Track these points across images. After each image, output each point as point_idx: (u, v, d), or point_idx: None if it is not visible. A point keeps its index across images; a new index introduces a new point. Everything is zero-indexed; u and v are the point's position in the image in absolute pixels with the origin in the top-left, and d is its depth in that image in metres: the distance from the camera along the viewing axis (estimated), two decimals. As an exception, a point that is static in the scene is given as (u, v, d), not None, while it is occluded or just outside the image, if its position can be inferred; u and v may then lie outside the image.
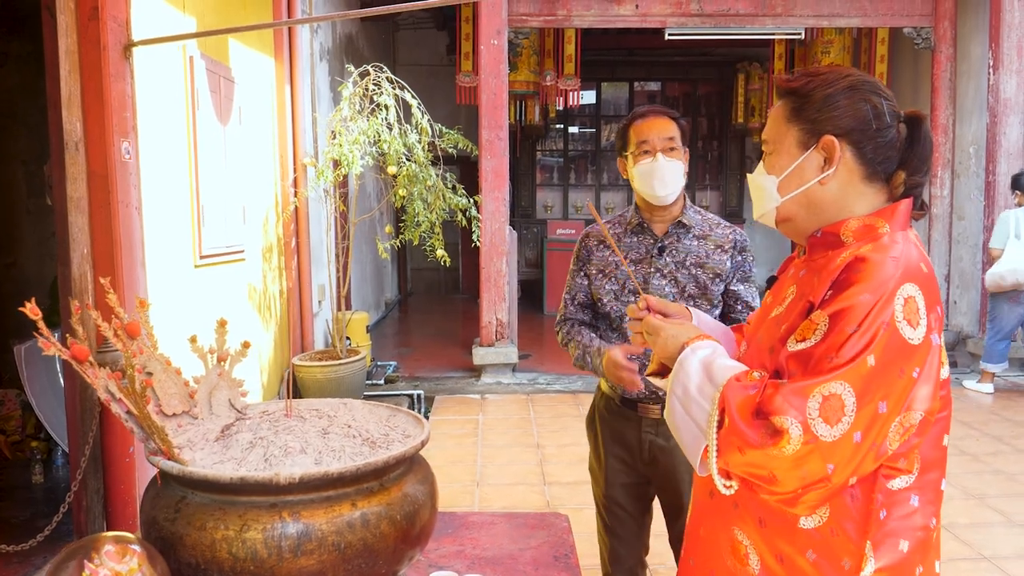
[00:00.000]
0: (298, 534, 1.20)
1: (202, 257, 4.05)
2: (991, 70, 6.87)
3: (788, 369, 1.20)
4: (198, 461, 1.31)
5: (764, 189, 1.36)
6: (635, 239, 2.26)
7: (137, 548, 1.17)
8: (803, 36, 8.24)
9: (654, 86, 12.49)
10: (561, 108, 10.16)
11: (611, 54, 11.41)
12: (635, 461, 2.25)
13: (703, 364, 1.26)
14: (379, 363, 6.96)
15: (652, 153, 2.17)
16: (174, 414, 1.45)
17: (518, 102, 9.30)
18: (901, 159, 1.28)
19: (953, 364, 6.98)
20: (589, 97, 12.07)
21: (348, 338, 6.05)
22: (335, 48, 7.33)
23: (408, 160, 5.29)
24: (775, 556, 1.24)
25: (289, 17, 5.31)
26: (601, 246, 2.29)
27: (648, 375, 1.43)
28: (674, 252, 2.22)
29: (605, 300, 2.25)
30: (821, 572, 1.21)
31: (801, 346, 1.19)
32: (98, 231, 3.06)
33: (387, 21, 10.76)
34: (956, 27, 7.43)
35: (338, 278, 5.82)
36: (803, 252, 1.36)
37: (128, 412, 1.33)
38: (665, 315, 1.47)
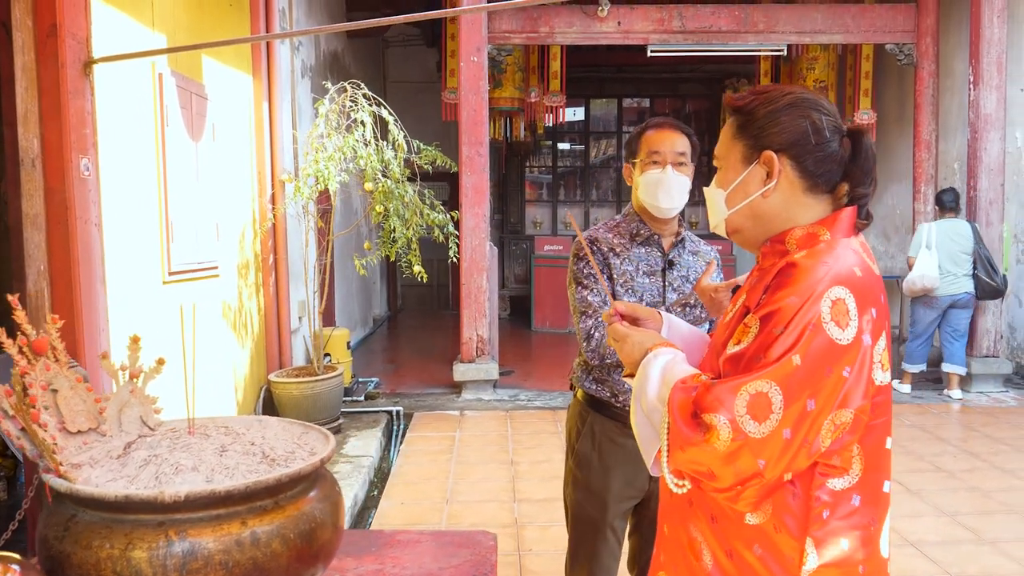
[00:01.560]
0: (183, 553, 1.18)
1: (171, 273, 4.04)
2: (971, 86, 6.88)
3: (724, 371, 1.26)
4: (94, 479, 1.30)
5: (714, 202, 1.42)
6: (642, 251, 2.22)
7: (17, 568, 1.16)
8: (786, 53, 8.27)
9: (643, 102, 12.53)
10: (549, 124, 10.20)
11: (599, 71, 11.47)
12: (643, 481, 2.22)
13: (662, 370, 1.32)
14: (360, 379, 6.94)
15: (662, 164, 2.14)
16: (79, 431, 1.44)
17: (504, 119, 9.33)
18: (844, 172, 1.32)
19: (937, 379, 6.96)
20: (578, 114, 12.11)
21: (328, 354, 6.04)
22: (319, 65, 7.36)
23: (384, 177, 5.30)
24: (725, 552, 1.28)
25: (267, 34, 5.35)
26: (611, 254, 2.21)
27: (624, 377, 1.48)
28: (679, 267, 2.23)
29: None
30: (767, 566, 1.25)
31: (735, 349, 1.24)
32: (55, 247, 3.06)
33: (376, 38, 10.82)
34: (938, 44, 7.47)
35: (317, 294, 5.81)
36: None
37: (22, 429, 1.32)
38: (635, 320, 1.52)
